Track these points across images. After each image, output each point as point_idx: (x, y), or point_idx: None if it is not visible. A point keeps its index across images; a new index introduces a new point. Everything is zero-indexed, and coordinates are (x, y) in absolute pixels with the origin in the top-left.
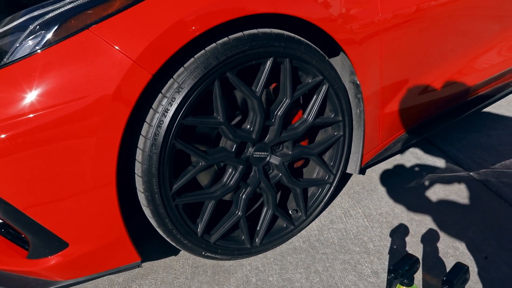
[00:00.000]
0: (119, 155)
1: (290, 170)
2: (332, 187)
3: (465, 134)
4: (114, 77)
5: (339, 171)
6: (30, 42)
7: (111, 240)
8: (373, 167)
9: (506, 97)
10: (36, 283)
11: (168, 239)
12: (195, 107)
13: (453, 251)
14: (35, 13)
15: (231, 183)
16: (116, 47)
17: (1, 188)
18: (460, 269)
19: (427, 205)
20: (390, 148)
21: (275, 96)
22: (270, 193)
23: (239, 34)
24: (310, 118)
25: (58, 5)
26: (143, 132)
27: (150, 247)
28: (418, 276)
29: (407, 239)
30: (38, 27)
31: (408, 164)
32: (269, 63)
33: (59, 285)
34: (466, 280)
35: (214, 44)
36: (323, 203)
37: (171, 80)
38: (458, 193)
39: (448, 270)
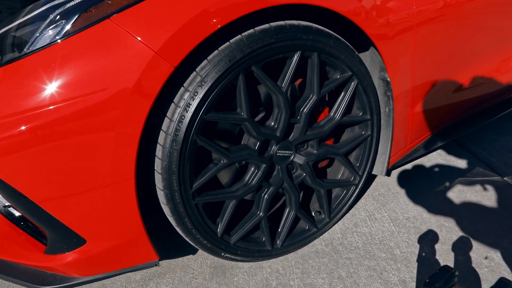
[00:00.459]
0: (138, 151)
1: (314, 170)
2: (358, 189)
3: (498, 136)
4: (135, 69)
5: (365, 173)
6: (50, 32)
7: (129, 238)
8: (399, 168)
9: None
10: (53, 278)
11: (187, 239)
12: (218, 102)
13: (487, 261)
14: (56, 2)
15: (254, 182)
16: (138, 38)
17: (18, 181)
18: (505, 286)
19: (457, 211)
20: (418, 150)
21: (301, 93)
22: (293, 194)
23: (266, 26)
24: (337, 116)
25: None
26: (164, 127)
27: (167, 245)
28: None
29: (437, 246)
30: (58, 16)
31: (436, 167)
32: (296, 57)
33: (76, 282)
34: None
35: (239, 36)
36: (347, 205)
37: (194, 73)
38: (491, 199)
39: (482, 282)
